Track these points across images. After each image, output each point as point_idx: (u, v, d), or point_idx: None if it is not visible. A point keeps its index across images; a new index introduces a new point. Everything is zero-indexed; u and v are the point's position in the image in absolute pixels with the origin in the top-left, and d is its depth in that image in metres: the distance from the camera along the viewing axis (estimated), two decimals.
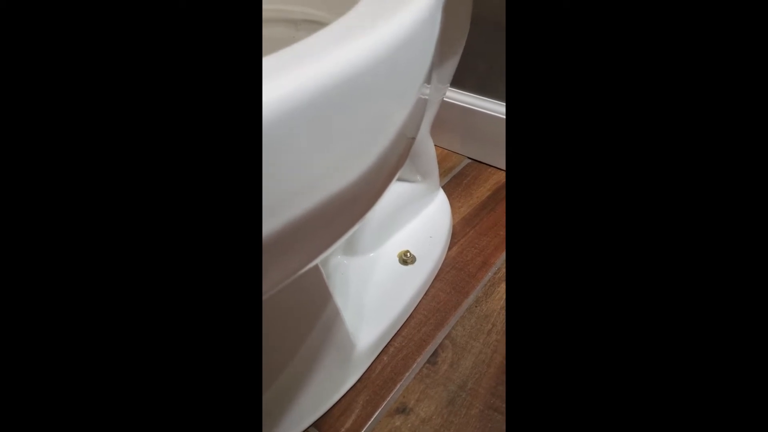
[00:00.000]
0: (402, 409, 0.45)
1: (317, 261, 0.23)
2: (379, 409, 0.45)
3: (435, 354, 0.49)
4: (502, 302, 0.54)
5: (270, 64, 0.15)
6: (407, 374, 0.47)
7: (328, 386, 0.44)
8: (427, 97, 0.26)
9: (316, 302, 0.39)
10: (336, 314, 0.41)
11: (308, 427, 0.43)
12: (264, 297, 0.20)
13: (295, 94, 0.15)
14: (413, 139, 0.28)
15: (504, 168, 0.73)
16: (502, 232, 0.63)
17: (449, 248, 0.60)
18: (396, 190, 0.56)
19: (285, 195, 0.17)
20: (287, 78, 0.15)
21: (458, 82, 0.71)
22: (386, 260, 0.54)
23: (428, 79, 0.25)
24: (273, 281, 0.20)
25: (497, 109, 0.69)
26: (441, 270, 0.57)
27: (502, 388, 0.46)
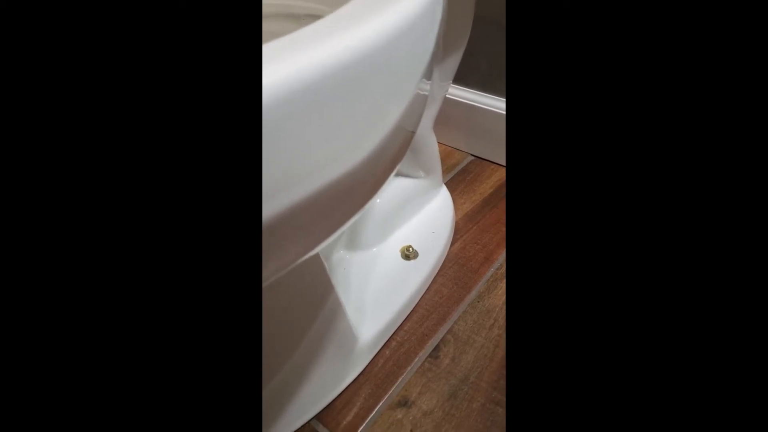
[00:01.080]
0: (404, 403, 0.45)
1: (316, 251, 0.23)
2: (381, 402, 0.45)
3: (437, 348, 0.49)
4: (505, 298, 0.54)
5: (267, 51, 0.16)
6: (409, 368, 0.48)
7: (330, 379, 0.44)
8: (426, 91, 0.27)
9: (319, 296, 0.40)
10: (338, 308, 0.41)
11: (310, 420, 0.44)
12: (263, 285, 0.21)
13: (291, 80, 0.15)
14: (413, 133, 0.28)
15: None
16: (505, 229, 0.63)
17: (452, 244, 0.60)
18: (399, 186, 0.56)
19: (281, 180, 0.17)
20: (284, 63, 0.15)
21: (461, 79, 0.71)
22: (389, 255, 0.54)
23: (427, 72, 0.25)
24: (271, 269, 0.21)
25: (500, 105, 0.69)
26: (443, 265, 0.58)
27: (504, 383, 0.46)
